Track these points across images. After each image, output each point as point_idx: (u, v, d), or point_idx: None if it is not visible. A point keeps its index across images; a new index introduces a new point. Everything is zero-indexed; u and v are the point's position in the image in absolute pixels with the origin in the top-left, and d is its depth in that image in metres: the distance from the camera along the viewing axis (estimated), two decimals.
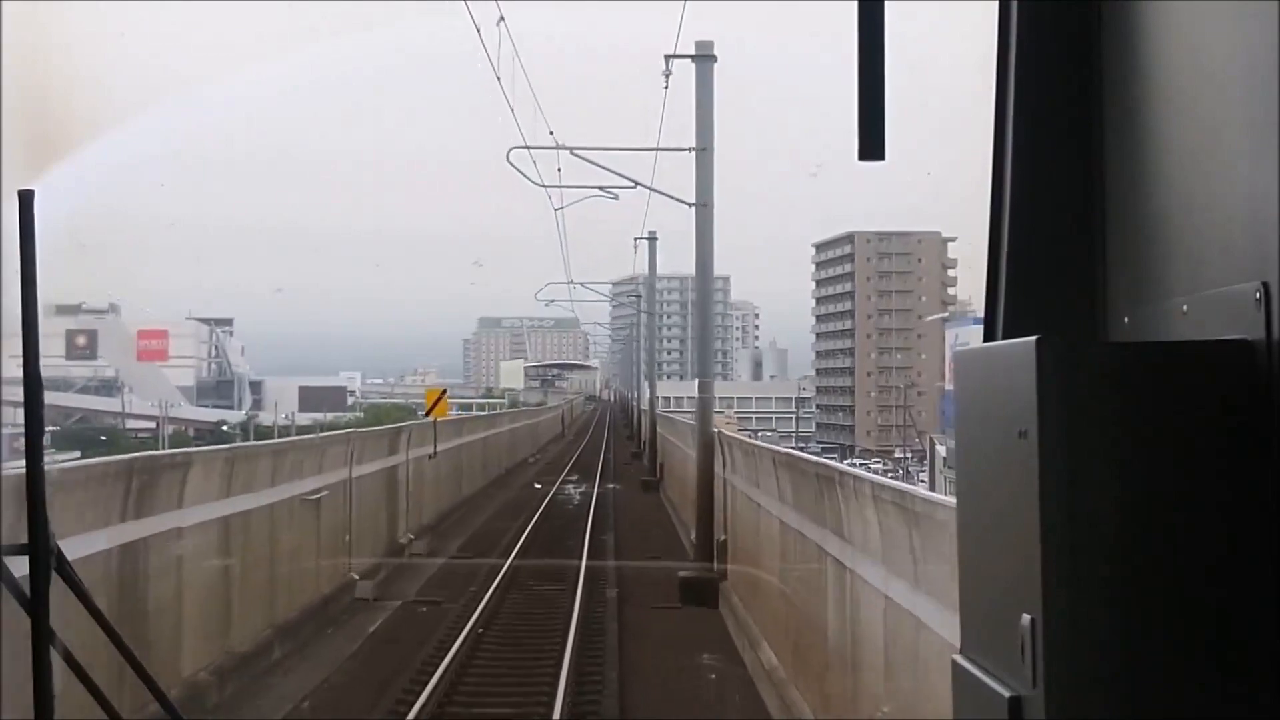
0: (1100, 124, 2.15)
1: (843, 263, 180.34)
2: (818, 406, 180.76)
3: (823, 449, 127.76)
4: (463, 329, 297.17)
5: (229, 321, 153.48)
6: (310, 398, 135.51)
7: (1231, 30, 1.77)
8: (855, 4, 2.08)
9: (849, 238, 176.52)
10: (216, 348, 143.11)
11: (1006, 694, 1.81)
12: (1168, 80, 1.95)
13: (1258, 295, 1.67)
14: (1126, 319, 2.08)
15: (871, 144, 2.12)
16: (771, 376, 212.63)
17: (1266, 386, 1.67)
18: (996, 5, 2.21)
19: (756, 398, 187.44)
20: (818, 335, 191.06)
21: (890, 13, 2.07)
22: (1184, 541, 1.71)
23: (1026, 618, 1.74)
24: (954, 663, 2.04)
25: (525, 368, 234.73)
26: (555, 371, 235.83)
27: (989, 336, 2.23)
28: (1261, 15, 1.67)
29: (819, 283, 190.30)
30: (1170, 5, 1.95)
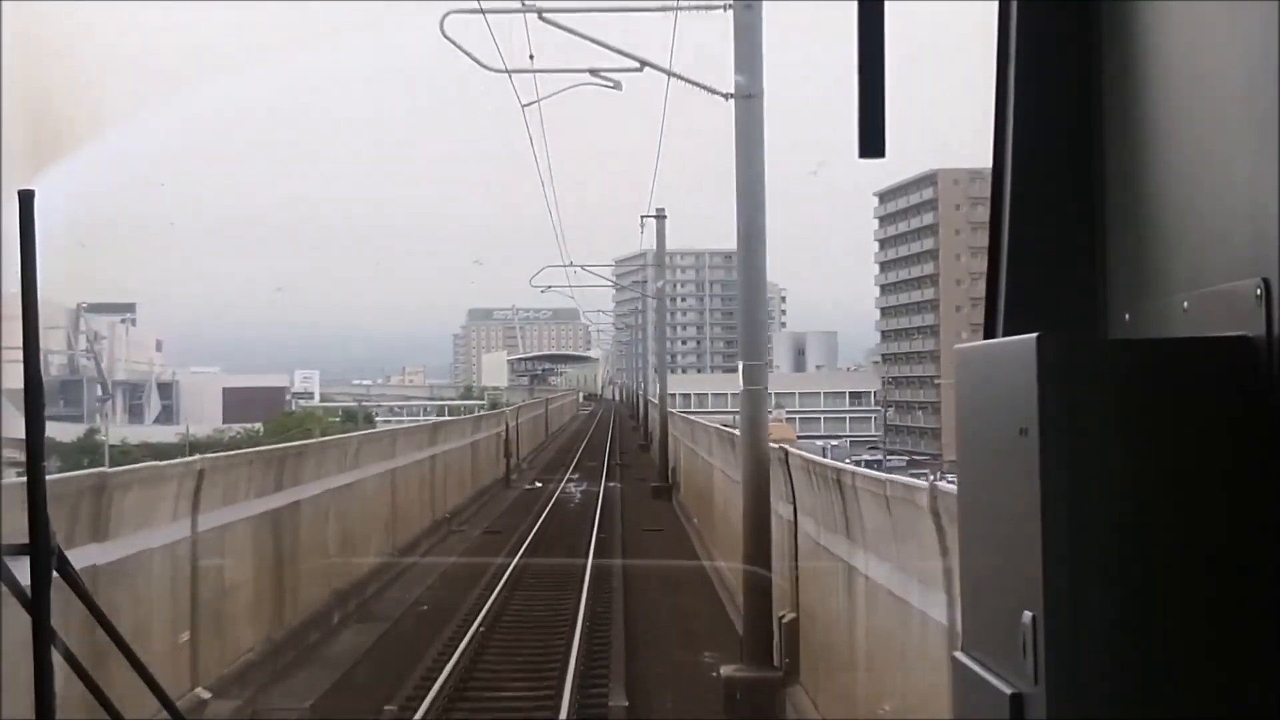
0: (1100, 123, 2.15)
1: (920, 212, 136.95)
2: (885, 403, 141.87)
3: (908, 462, 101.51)
4: (456, 326, 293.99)
5: (130, 308, 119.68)
6: (239, 401, 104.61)
7: (1230, 30, 1.78)
8: (856, 4, 2.08)
9: (930, 178, 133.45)
10: (85, 337, 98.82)
11: (1008, 691, 1.81)
12: (1167, 79, 1.96)
13: (1258, 292, 1.68)
14: (1127, 316, 2.08)
15: (872, 141, 2.13)
16: (818, 366, 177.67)
17: (1267, 383, 1.67)
18: (996, 5, 2.22)
19: (801, 393, 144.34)
20: (883, 311, 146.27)
21: (890, 12, 2.07)
22: (1185, 538, 1.71)
23: (1028, 614, 1.74)
24: (955, 659, 2.05)
25: (510, 360, 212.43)
26: (546, 365, 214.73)
27: (989, 333, 2.23)
28: (1261, 15, 1.68)
29: (884, 242, 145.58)
30: (1169, 5, 1.95)
